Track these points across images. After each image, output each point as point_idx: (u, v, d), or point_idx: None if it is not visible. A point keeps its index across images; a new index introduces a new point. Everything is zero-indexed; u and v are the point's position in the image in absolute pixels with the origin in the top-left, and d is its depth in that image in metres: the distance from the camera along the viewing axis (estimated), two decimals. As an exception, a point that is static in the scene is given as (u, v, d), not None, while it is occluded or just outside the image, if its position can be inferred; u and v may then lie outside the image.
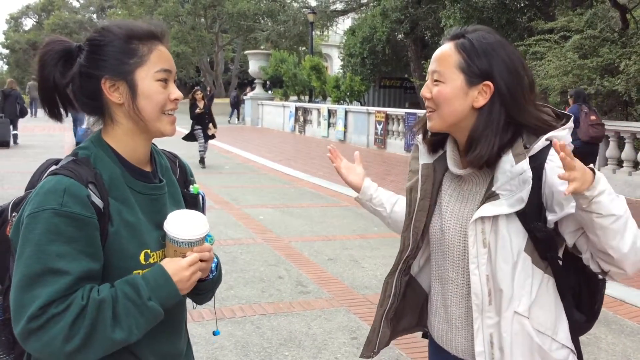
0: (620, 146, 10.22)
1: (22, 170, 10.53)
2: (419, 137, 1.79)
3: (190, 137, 13.23)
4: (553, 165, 1.52)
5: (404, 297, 1.84)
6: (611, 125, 10.28)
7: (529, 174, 1.50)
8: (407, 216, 1.78)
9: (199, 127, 13.14)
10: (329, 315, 4.67)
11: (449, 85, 1.57)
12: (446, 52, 1.60)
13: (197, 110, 13.11)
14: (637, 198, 9.56)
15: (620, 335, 4.43)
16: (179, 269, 1.36)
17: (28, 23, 64.51)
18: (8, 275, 1.40)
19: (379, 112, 17.47)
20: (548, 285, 1.60)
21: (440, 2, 16.34)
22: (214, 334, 1.83)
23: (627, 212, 1.44)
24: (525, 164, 1.51)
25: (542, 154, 1.54)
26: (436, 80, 1.59)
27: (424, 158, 1.76)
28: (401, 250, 1.81)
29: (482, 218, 1.56)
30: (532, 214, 1.53)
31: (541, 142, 1.54)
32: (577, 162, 1.36)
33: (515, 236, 1.55)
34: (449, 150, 1.70)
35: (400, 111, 16.92)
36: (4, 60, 63.20)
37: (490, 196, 1.56)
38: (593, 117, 8.79)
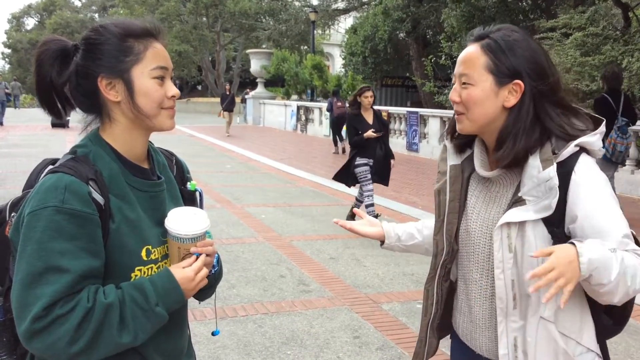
0: (623, 144, 10.18)
1: (24, 170, 10.54)
2: (447, 138, 1.77)
3: (347, 176, 7.40)
4: (576, 178, 1.50)
5: (447, 303, 1.81)
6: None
7: (555, 181, 1.47)
8: (437, 218, 1.75)
9: (365, 158, 7.17)
10: (331, 314, 4.67)
11: (478, 87, 1.55)
12: (472, 54, 1.57)
13: (370, 134, 7.11)
14: (639, 196, 9.56)
15: (623, 333, 4.39)
16: (187, 280, 1.38)
17: (30, 22, 64.79)
18: (8, 277, 1.39)
19: (380, 110, 17.43)
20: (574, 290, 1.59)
21: (442, 0, 16.30)
22: (213, 334, 1.82)
23: (618, 275, 1.40)
24: (552, 171, 1.48)
25: (571, 160, 1.51)
26: (464, 83, 1.57)
27: (452, 159, 1.74)
28: (435, 254, 1.76)
29: (508, 223, 1.54)
30: (556, 220, 1.51)
31: (570, 148, 1.51)
32: (557, 260, 1.35)
33: (541, 241, 1.52)
34: (477, 151, 1.68)
35: (402, 110, 16.94)
36: (6, 59, 63.38)
37: (516, 201, 1.54)
38: (339, 104, 16.06)
